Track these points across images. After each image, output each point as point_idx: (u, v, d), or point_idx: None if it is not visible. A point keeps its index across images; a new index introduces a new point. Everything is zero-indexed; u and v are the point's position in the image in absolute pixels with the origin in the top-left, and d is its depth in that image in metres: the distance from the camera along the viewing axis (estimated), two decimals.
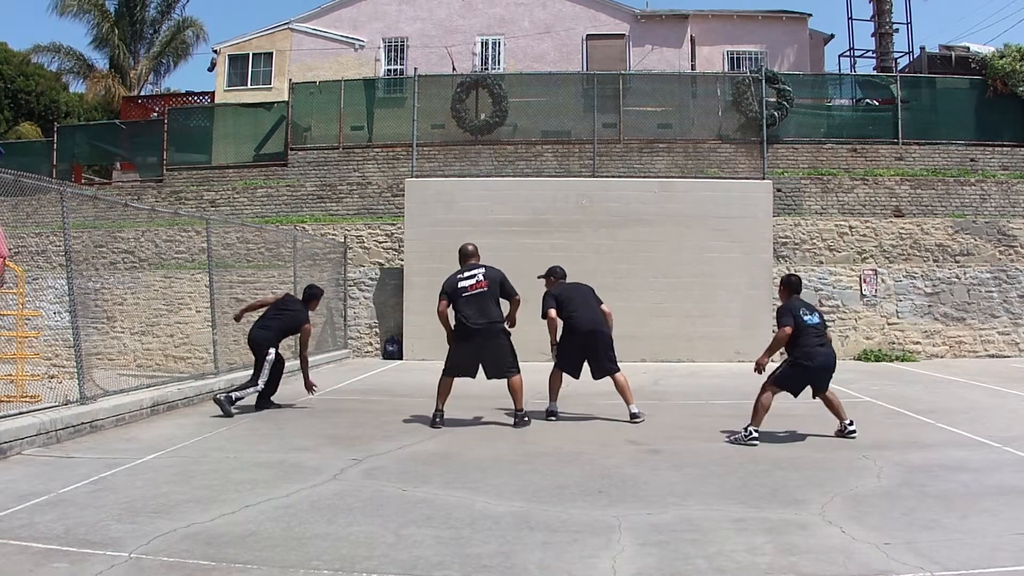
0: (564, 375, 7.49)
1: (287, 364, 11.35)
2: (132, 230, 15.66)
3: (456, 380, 7.15)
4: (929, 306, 14.29)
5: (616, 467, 5.44)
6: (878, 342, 14.10)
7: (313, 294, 8.60)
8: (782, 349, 6.47)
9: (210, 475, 5.10)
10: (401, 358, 13.65)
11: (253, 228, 13.57)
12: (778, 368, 6.50)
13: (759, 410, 6.32)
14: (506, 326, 7.12)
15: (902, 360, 13.65)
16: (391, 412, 7.74)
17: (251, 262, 14.28)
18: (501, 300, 7.10)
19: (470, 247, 7.33)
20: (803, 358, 6.32)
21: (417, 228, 13.97)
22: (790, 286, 6.76)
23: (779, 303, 6.78)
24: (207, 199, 16.26)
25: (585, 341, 7.25)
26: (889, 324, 14.20)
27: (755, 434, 6.18)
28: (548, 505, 4.44)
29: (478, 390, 7.61)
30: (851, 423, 6.42)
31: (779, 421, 7.19)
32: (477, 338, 6.93)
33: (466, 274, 7.07)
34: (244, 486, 4.82)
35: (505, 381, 7.07)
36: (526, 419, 7.03)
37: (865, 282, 14.18)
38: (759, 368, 6.46)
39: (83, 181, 18.46)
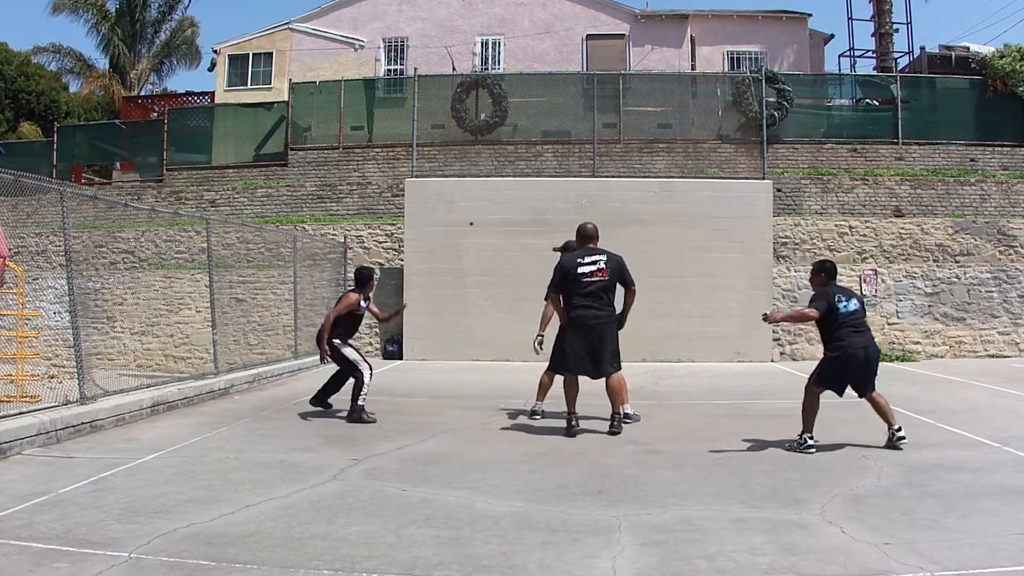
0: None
1: (282, 365, 11.42)
2: (132, 230, 15.66)
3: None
4: (929, 306, 14.29)
5: (616, 467, 5.44)
6: (878, 342, 13.94)
7: (366, 276, 7.97)
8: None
9: (210, 475, 5.10)
10: (401, 358, 13.65)
11: (253, 228, 13.57)
12: (817, 366, 6.13)
13: (806, 414, 5.94)
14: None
15: (902, 360, 13.65)
16: (391, 412, 7.73)
17: (251, 262, 14.29)
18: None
19: (590, 227, 6.74)
20: (839, 351, 5.89)
21: (417, 228, 13.97)
22: (826, 271, 6.27)
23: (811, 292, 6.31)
24: (207, 199, 16.26)
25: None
26: (889, 324, 14.20)
27: (810, 441, 5.82)
28: (548, 505, 4.44)
29: (478, 391, 7.61)
30: (900, 429, 5.97)
31: (779, 421, 7.19)
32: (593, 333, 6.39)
33: (587, 259, 6.42)
34: (244, 486, 4.82)
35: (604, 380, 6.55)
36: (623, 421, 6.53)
37: (865, 282, 14.18)
38: (768, 318, 6.04)
39: (83, 181, 18.45)
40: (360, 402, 7.29)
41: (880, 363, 5.92)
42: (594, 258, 6.39)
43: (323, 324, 7.67)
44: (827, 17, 49.00)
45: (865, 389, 6.05)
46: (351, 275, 14.59)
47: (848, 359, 5.88)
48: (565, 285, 6.40)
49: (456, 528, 3.99)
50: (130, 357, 14.71)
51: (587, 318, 6.33)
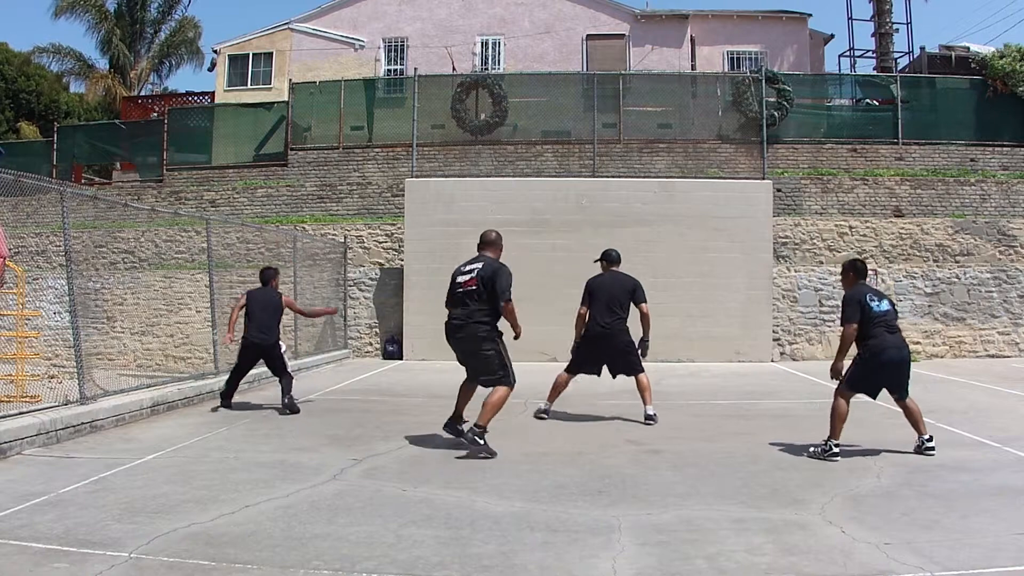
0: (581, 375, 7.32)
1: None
2: (132, 230, 15.66)
3: (457, 379, 6.88)
4: (929, 306, 14.29)
5: (616, 467, 5.44)
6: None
7: (268, 276, 8.48)
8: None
9: (210, 475, 5.10)
10: (401, 358, 13.65)
11: (253, 228, 13.57)
12: (848, 368, 5.84)
13: (835, 420, 5.67)
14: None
15: None
16: (391, 412, 7.74)
17: (251, 262, 14.27)
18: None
19: (492, 235, 6.38)
20: (872, 352, 5.66)
21: (417, 228, 13.98)
22: (856, 271, 6.03)
23: (843, 292, 6.08)
24: (207, 199, 16.26)
25: (598, 349, 7.09)
26: None
27: (835, 448, 5.58)
28: (548, 505, 4.44)
29: (478, 391, 7.59)
30: (930, 439, 5.78)
31: (779, 421, 7.20)
32: None
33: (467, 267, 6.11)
34: (244, 486, 4.82)
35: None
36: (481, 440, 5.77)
37: None
38: (835, 375, 5.80)
39: (83, 181, 18.45)
40: (290, 398, 7.79)
41: None
42: (473, 266, 6.05)
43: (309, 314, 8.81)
44: (827, 17, 49.05)
45: (900, 392, 5.86)
46: (352, 275, 14.69)
47: (881, 360, 5.68)
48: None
49: (456, 528, 3.99)
50: (130, 357, 14.71)
51: (450, 326, 6.06)
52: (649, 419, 7.09)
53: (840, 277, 6.32)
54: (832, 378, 5.87)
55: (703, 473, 5.25)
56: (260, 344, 7.91)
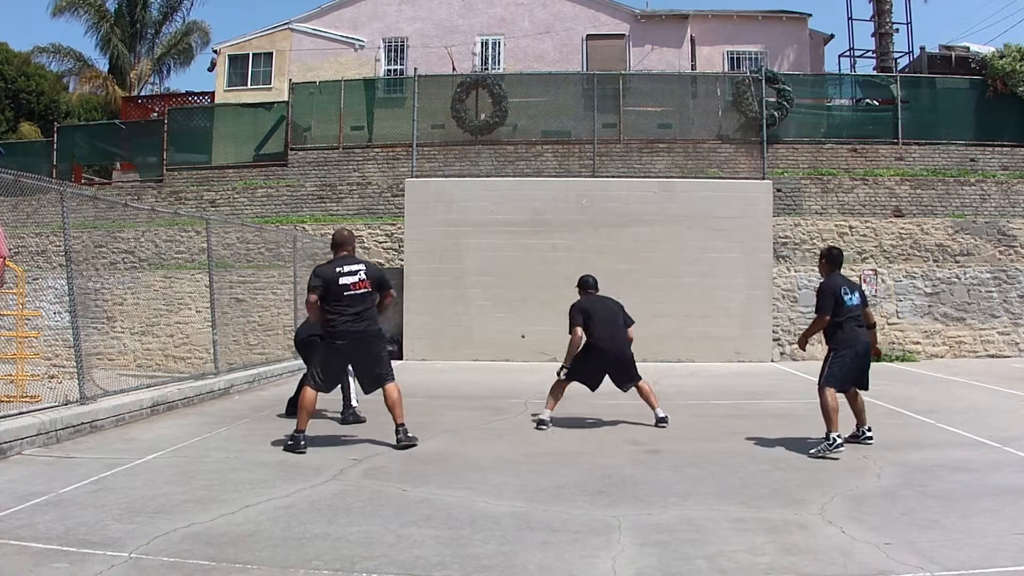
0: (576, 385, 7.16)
1: (282, 365, 11.42)
2: (132, 230, 15.67)
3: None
4: (929, 306, 14.29)
5: (616, 467, 5.44)
6: (878, 342, 14.09)
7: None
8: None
9: (210, 475, 5.10)
10: (401, 358, 13.65)
11: (253, 228, 13.58)
12: (824, 366, 6.03)
13: (828, 415, 5.76)
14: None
15: (902, 360, 13.65)
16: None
17: (251, 262, 14.30)
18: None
19: (346, 232, 6.51)
20: (845, 345, 5.89)
21: (417, 228, 13.98)
22: (832, 260, 6.25)
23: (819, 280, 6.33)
24: (207, 199, 16.26)
25: (605, 363, 7.04)
26: (889, 324, 14.20)
27: (838, 440, 5.64)
28: (548, 505, 4.44)
29: (478, 391, 7.60)
30: (869, 430, 6.06)
31: (779, 421, 7.20)
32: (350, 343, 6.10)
33: (346, 268, 6.13)
34: (244, 486, 4.82)
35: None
36: (409, 435, 6.09)
37: (865, 282, 14.17)
38: (802, 345, 6.36)
39: (83, 181, 18.44)
40: (354, 403, 7.33)
41: (880, 363, 5.98)
42: (353, 267, 6.13)
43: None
44: (827, 17, 49.03)
45: (864, 383, 6.09)
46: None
47: (856, 352, 5.92)
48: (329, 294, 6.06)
49: (456, 528, 3.99)
50: (130, 357, 14.72)
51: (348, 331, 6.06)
52: (661, 421, 7.05)
53: (820, 263, 6.46)
54: (799, 346, 6.33)
55: (703, 473, 5.25)
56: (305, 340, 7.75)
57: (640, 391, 7.22)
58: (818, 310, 6.04)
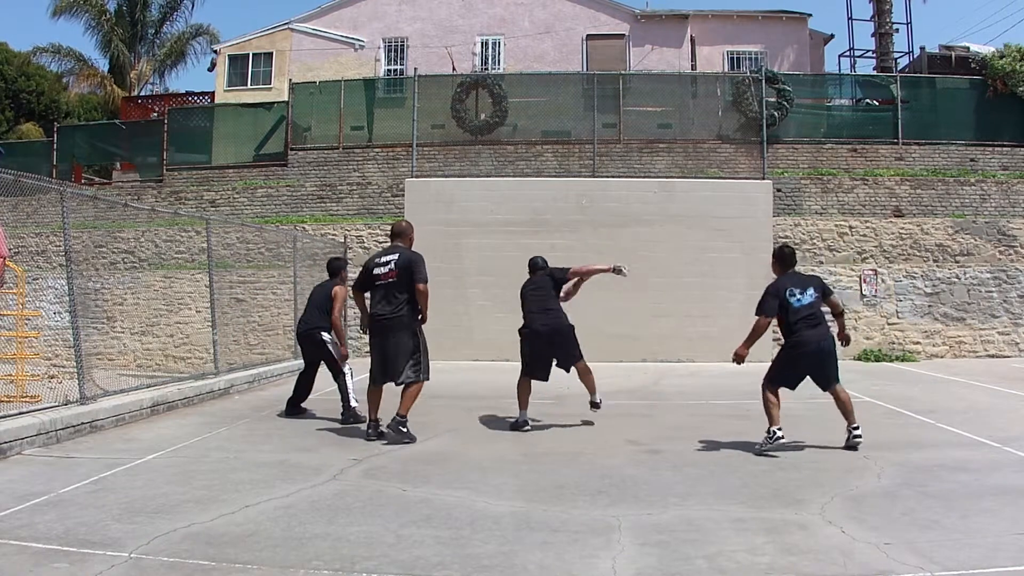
0: (533, 381, 7.01)
1: (282, 365, 11.41)
2: (132, 230, 15.66)
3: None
4: (929, 306, 14.29)
5: (616, 467, 5.44)
6: (878, 342, 14.11)
7: (338, 265, 8.17)
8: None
9: (210, 475, 5.10)
10: None
11: (253, 228, 13.57)
12: (772, 363, 6.11)
13: (769, 409, 5.86)
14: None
15: (902, 360, 13.65)
16: (391, 412, 7.71)
17: (251, 262, 14.29)
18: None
19: (403, 224, 6.69)
20: (791, 346, 5.89)
21: (417, 228, 13.94)
22: (782, 259, 6.17)
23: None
24: (207, 199, 16.25)
25: (542, 345, 6.88)
26: (889, 324, 14.20)
27: (778, 432, 5.71)
28: (548, 505, 4.44)
29: (478, 391, 7.60)
30: (857, 428, 5.89)
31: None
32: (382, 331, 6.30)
33: (382, 259, 6.37)
34: (244, 486, 4.82)
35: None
36: (401, 430, 6.25)
37: (865, 282, 14.18)
38: (737, 359, 6.02)
39: (83, 181, 18.43)
40: (353, 403, 7.33)
41: (880, 363, 5.90)
42: (388, 258, 6.34)
43: (332, 326, 7.74)
44: (827, 17, 49.02)
45: (824, 382, 5.98)
46: (352, 275, 14.61)
47: (799, 354, 5.87)
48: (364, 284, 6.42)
49: (456, 528, 3.99)
50: (130, 357, 14.71)
51: (378, 318, 6.29)
52: (595, 407, 7.12)
53: (772, 263, 6.36)
54: (734, 362, 6.07)
55: (703, 473, 5.25)
56: (300, 333, 7.87)
57: (579, 370, 7.04)
58: (757, 312, 5.98)
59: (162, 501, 4.43)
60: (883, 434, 6.59)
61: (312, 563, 3.46)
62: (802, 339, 5.84)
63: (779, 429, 5.78)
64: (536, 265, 7.36)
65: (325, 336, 7.69)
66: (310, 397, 8.24)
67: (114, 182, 18.56)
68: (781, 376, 6.02)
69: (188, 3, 29.37)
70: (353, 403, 7.35)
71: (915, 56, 20.45)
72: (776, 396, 5.95)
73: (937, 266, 14.43)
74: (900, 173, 15.36)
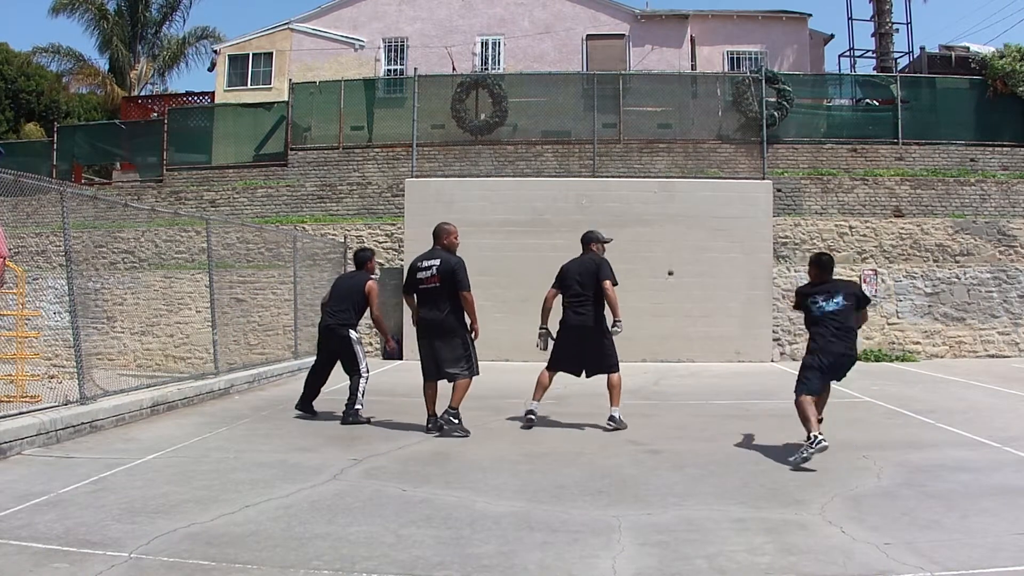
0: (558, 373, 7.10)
1: (282, 365, 11.42)
2: (132, 230, 15.66)
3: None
4: (929, 306, 14.29)
5: (616, 467, 5.44)
6: (878, 342, 14.11)
7: (365, 256, 8.18)
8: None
9: (210, 475, 5.10)
10: (401, 358, 13.63)
11: (253, 228, 13.57)
12: (800, 369, 5.98)
13: (805, 418, 5.62)
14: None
15: (902, 360, 13.66)
16: (391, 412, 7.73)
17: (251, 262, 14.29)
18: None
19: (445, 226, 6.78)
20: (815, 352, 5.82)
21: (417, 228, 13.94)
22: (819, 266, 6.08)
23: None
24: (207, 199, 16.26)
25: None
26: (889, 324, 14.20)
27: (819, 437, 5.36)
28: (548, 505, 4.44)
29: (478, 391, 7.59)
30: (820, 434, 5.45)
31: (779, 421, 7.19)
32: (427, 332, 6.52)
33: (424, 263, 6.54)
34: (244, 486, 4.82)
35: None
36: (454, 422, 6.50)
37: (865, 282, 14.18)
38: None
39: (83, 181, 18.44)
40: (358, 405, 7.28)
41: (880, 363, 5.91)
42: (429, 262, 6.51)
43: (375, 322, 7.91)
44: (827, 17, 49.05)
45: (836, 379, 6.04)
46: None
47: (825, 363, 5.78)
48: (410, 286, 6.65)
49: (456, 528, 3.99)
50: (130, 357, 14.72)
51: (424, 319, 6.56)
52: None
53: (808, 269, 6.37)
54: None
55: (703, 473, 5.25)
56: (326, 325, 7.69)
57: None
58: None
59: (162, 501, 4.43)
60: (883, 434, 6.60)
61: (312, 563, 3.46)
62: (827, 346, 5.76)
63: (818, 434, 5.41)
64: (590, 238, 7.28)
65: (353, 333, 7.57)
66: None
67: (114, 182, 18.57)
68: (811, 384, 5.81)
69: (188, 3, 29.38)
70: (358, 405, 7.28)
71: (915, 56, 20.46)
72: (809, 404, 5.70)
73: (937, 266, 14.44)
74: (900, 173, 15.36)
